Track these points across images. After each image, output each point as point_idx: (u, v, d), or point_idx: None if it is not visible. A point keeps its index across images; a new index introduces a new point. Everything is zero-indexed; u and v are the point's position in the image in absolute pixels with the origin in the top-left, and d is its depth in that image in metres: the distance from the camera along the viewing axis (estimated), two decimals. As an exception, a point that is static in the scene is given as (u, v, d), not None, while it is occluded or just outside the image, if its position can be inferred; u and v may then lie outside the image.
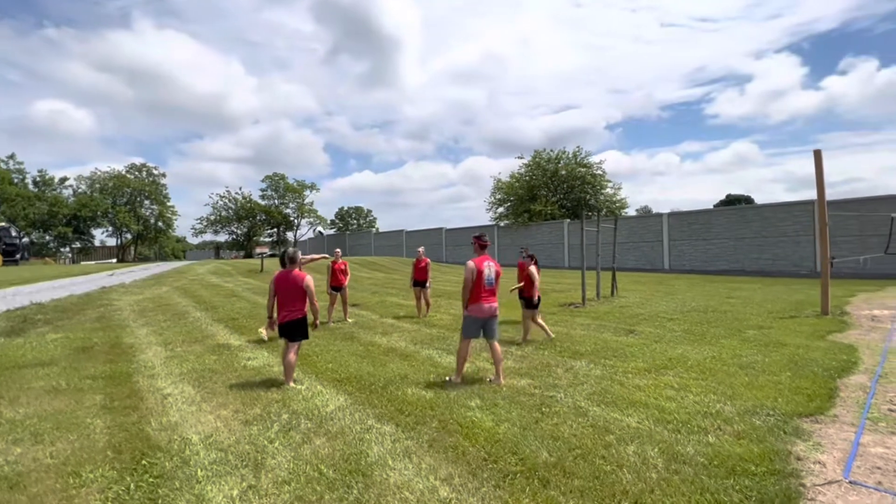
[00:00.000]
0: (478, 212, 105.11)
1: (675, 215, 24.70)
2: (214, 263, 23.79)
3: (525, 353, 5.89)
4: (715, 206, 45.63)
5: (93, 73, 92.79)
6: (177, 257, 56.99)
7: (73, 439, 3.22)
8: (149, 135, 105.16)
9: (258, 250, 21.65)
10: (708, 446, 3.12)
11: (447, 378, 4.59)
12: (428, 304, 8.93)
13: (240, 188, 52.22)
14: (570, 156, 35.73)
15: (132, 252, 47.39)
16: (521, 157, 37.79)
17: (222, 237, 48.49)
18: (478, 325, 4.58)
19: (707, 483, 2.62)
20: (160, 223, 45.54)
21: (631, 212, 36.40)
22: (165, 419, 3.58)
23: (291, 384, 4.40)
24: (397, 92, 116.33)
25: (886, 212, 17.04)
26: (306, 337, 4.61)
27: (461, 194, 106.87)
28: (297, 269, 4.61)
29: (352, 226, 72.36)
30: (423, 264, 8.95)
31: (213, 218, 45.89)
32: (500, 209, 36.87)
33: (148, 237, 45.06)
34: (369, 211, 72.40)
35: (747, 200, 45.83)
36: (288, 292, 4.49)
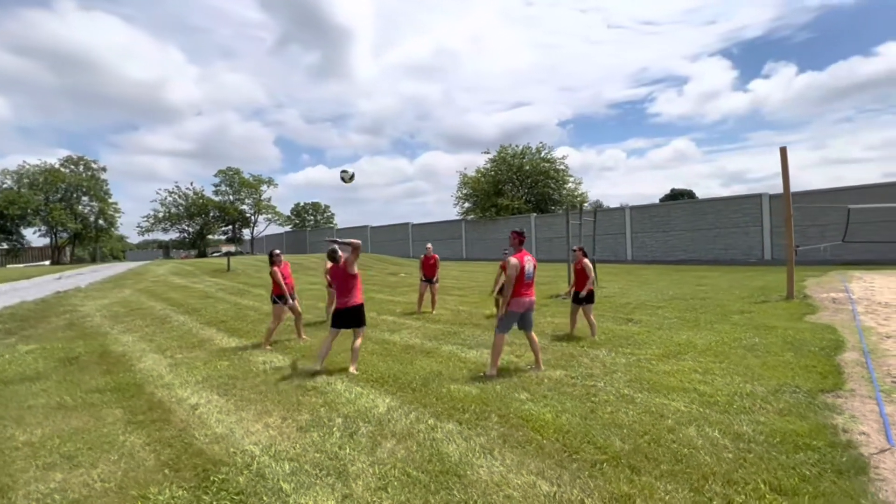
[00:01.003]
0: (436, 206, 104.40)
1: (636, 209, 25.92)
2: (172, 263, 22.28)
3: (543, 344, 5.97)
4: (661, 199, 47.90)
5: (6, 56, 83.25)
6: (115, 258, 52.75)
7: (114, 459, 2.92)
8: (76, 125, 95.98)
9: (223, 248, 20.35)
10: (760, 424, 3.31)
11: (482, 373, 4.57)
12: (434, 302, 8.89)
13: (191, 183, 49.15)
14: (534, 151, 36.55)
15: (68, 253, 43.40)
16: (488, 152, 38.21)
17: (172, 235, 45.54)
18: (516, 318, 4.61)
19: (782, 459, 2.78)
20: (101, 221, 41.96)
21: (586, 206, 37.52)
22: (209, 431, 3.33)
23: (317, 366, 4.79)
24: (350, 85, 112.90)
25: (822, 204, 18.79)
26: (363, 324, 5.03)
27: (418, 189, 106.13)
28: (341, 263, 5.01)
29: (309, 222, 70.20)
30: (432, 261, 8.92)
31: (161, 215, 42.93)
32: (467, 204, 37.16)
33: (88, 236, 41.37)
34: (327, 207, 70.15)
35: (689, 195, 48.29)
36: (342, 283, 4.92)
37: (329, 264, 5.36)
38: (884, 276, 13.95)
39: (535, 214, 31.32)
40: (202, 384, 4.46)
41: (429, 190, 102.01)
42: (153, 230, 43.13)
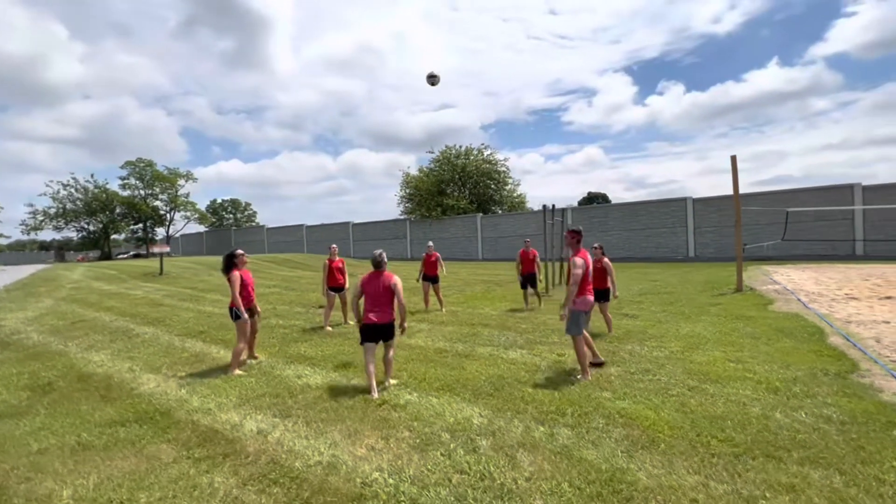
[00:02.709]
0: (361, 205, 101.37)
1: (577, 210, 27.56)
2: (84, 267, 19.17)
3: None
4: (579, 202, 50.91)
5: None
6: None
7: (219, 507, 2.39)
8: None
9: (156, 249, 17.74)
10: (832, 406, 3.61)
11: (578, 377, 4.46)
12: (441, 301, 8.73)
13: (91, 175, 42.79)
14: (476, 152, 37.22)
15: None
16: (432, 152, 38.20)
17: (67, 234, 39.33)
18: (587, 318, 4.58)
19: (883, 436, 3.05)
20: (-30, 218, 34.86)
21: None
22: (309, 460, 2.86)
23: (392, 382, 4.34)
24: (267, 76, 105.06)
25: (755, 208, 21.38)
26: (392, 337, 4.36)
27: (342, 188, 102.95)
28: (385, 270, 4.36)
29: (227, 220, 65.08)
30: (433, 259, 8.73)
31: (53, 211, 36.92)
32: (409, 204, 36.74)
33: (-48, 236, 34.13)
34: (248, 204, 65.22)
35: (604, 198, 51.96)
36: (377, 294, 4.27)
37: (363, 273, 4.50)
38: (793, 269, 16.23)
39: (480, 214, 31.88)
40: (245, 406, 3.86)
41: (354, 188, 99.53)
42: (42, 228, 36.96)
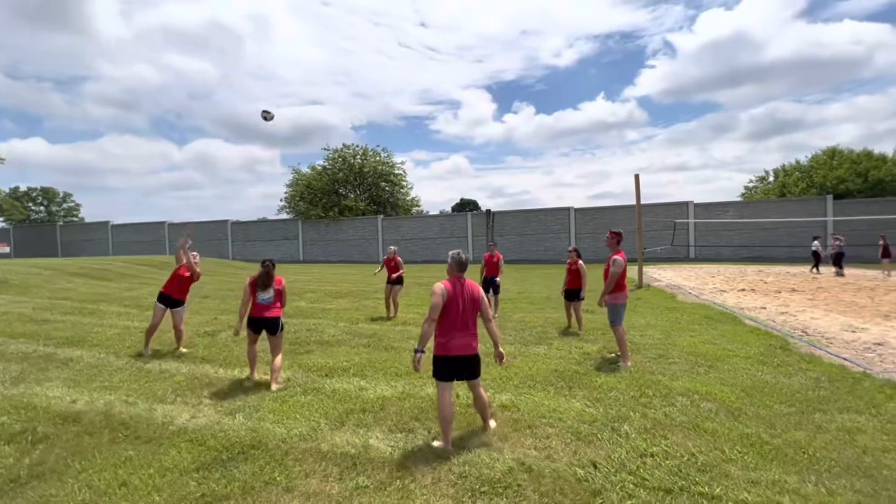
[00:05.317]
0: (215, 202, 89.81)
1: (477, 215, 29.19)
2: None
3: (566, 340, 6.63)
4: (452, 208, 53.39)
5: None
6: None
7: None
8: None
9: None
10: (809, 371, 4.76)
11: (620, 364, 4.94)
12: (396, 306, 8.50)
13: None
14: (372, 153, 36.67)
15: None
16: (327, 149, 36.44)
17: None
18: (624, 309, 5.14)
19: (863, 388, 4.18)
20: None
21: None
22: (498, 468, 2.76)
23: (493, 424, 3.35)
24: (87, 40, 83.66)
25: (620, 218, 25.29)
26: (479, 374, 3.20)
27: (190, 181, 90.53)
28: (466, 277, 3.21)
29: (36, 213, 52.18)
30: (393, 263, 8.51)
31: None
32: (301, 203, 34.37)
33: None
34: (68, 195, 52.89)
35: (474, 205, 55.31)
36: (463, 311, 3.06)
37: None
38: (659, 269, 19.87)
39: (381, 216, 31.50)
40: (346, 425, 3.42)
41: (204, 183, 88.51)
42: None
